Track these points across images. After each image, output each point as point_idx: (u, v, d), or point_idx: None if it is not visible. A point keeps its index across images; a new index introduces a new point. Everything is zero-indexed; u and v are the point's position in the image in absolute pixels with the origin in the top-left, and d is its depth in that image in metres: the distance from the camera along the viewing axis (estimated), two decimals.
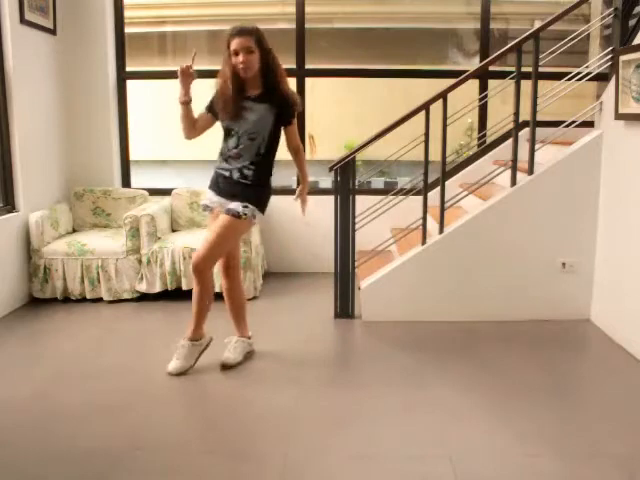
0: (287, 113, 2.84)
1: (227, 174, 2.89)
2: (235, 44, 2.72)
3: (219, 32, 6.86)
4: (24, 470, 2.19)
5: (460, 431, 2.42)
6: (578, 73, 3.66)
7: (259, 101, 2.82)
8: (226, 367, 3.01)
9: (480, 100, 4.44)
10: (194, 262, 2.86)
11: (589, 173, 3.56)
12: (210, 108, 2.93)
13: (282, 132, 2.92)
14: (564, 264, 3.63)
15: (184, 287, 4.13)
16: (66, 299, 4.13)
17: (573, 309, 3.67)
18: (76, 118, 4.70)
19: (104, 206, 4.63)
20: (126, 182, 4.97)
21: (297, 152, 3.04)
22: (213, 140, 6.42)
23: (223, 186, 2.92)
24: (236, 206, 2.84)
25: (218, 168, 2.95)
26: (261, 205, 2.94)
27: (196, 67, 2.79)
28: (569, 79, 3.66)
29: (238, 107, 2.81)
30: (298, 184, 3.24)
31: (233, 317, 3.16)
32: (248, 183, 2.87)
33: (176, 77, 2.86)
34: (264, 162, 2.89)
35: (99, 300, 4.14)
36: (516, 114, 3.57)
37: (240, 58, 2.72)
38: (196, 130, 2.94)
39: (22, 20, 3.99)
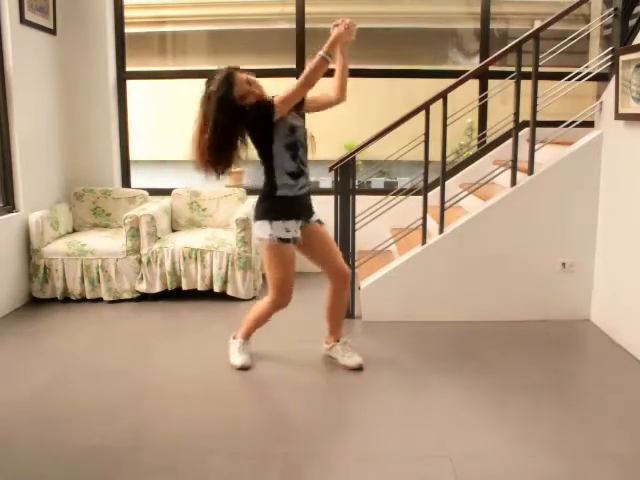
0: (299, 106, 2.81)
1: (306, 190, 2.85)
2: (241, 77, 2.72)
3: (219, 32, 6.88)
4: (24, 470, 2.19)
5: (460, 431, 2.42)
6: (578, 73, 3.65)
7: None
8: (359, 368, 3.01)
9: (480, 100, 4.43)
10: (348, 272, 3.00)
11: (589, 173, 3.56)
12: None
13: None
14: (564, 264, 3.63)
15: (184, 287, 4.13)
16: (66, 299, 4.13)
17: (573, 309, 3.67)
18: (76, 118, 4.70)
19: (104, 206, 4.63)
20: (126, 182, 4.98)
21: (330, 90, 2.93)
22: None
23: (306, 205, 2.89)
24: (317, 214, 2.95)
25: (298, 189, 2.79)
26: None
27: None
28: (569, 79, 3.66)
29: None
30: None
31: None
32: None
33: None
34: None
35: (99, 300, 4.14)
36: (516, 114, 3.57)
37: (253, 87, 2.75)
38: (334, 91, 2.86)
39: (22, 20, 3.99)
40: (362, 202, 3.74)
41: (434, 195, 3.79)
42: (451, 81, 3.57)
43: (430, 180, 3.73)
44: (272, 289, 2.87)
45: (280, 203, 2.76)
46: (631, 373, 2.97)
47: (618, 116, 3.27)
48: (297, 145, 2.76)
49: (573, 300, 3.67)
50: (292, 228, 2.76)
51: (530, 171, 3.58)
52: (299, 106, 2.78)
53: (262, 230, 2.76)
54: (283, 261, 2.78)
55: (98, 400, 2.70)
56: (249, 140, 2.74)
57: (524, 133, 3.86)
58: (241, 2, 6.54)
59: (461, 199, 3.85)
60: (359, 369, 2.98)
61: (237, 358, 3.03)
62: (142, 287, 4.14)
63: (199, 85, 2.77)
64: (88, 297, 4.13)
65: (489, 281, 3.66)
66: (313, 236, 2.90)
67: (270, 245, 2.75)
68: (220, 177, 2.74)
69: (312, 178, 5.38)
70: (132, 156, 5.02)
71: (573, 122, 3.58)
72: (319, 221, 2.96)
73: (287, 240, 2.74)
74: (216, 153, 2.65)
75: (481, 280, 3.66)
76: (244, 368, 2.98)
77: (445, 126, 3.55)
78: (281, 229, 2.73)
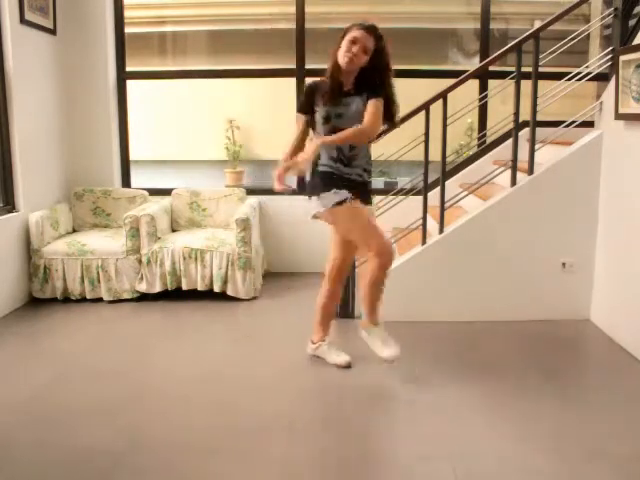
0: (372, 94, 2.71)
1: (360, 179, 2.83)
2: (359, 33, 2.64)
3: (219, 32, 6.88)
4: (24, 470, 2.19)
5: (460, 431, 2.42)
6: (578, 73, 3.65)
7: (355, 94, 2.74)
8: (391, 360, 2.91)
9: (480, 100, 4.43)
10: (391, 250, 2.80)
11: (589, 173, 3.56)
12: (304, 108, 2.81)
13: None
14: (564, 264, 3.63)
15: (184, 287, 4.13)
16: (66, 299, 4.13)
17: (573, 309, 3.67)
18: (76, 118, 4.70)
19: (104, 206, 4.63)
20: (126, 182, 4.97)
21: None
22: (213, 140, 6.41)
23: (358, 191, 2.81)
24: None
25: (345, 174, 2.79)
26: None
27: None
28: (569, 79, 3.66)
29: (342, 98, 2.73)
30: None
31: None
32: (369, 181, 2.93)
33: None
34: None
35: (99, 300, 4.13)
36: (516, 114, 3.57)
37: (354, 49, 2.63)
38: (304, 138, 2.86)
39: (22, 20, 3.99)
40: None
41: (434, 195, 3.78)
42: (451, 81, 3.57)
43: (430, 180, 3.73)
44: (368, 248, 2.76)
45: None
46: (631, 373, 2.97)
47: (618, 116, 3.27)
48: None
49: (573, 300, 3.67)
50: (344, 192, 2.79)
51: (530, 171, 3.58)
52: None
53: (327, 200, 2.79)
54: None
55: (98, 400, 2.70)
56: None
57: (524, 133, 3.85)
58: (241, 2, 6.54)
59: (461, 199, 3.85)
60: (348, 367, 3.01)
61: (388, 349, 2.87)
62: (142, 287, 4.14)
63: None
64: (88, 297, 4.13)
65: (489, 281, 3.66)
66: None
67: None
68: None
69: None
70: (132, 156, 5.02)
71: (573, 122, 3.58)
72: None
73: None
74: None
75: (481, 280, 3.66)
76: (391, 359, 2.85)
77: (445, 126, 3.55)
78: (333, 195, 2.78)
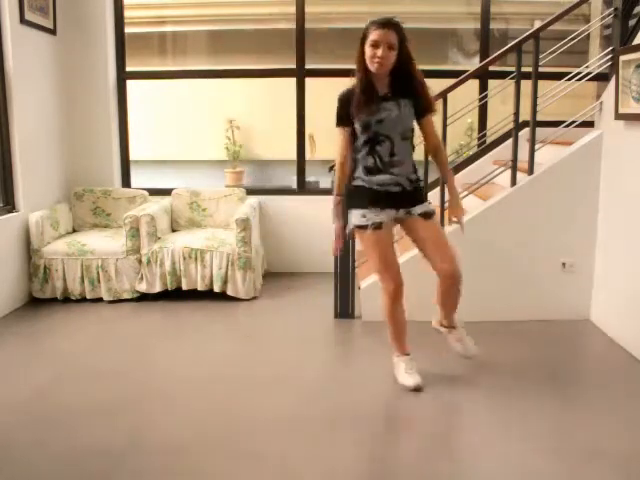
0: (422, 103, 2.65)
1: (397, 189, 2.67)
2: (377, 35, 2.48)
3: (219, 32, 6.88)
4: (24, 470, 2.18)
5: (460, 431, 2.42)
6: (578, 73, 3.65)
7: (395, 97, 2.61)
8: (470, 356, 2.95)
9: (480, 100, 4.44)
10: (453, 270, 2.73)
11: (589, 173, 3.56)
12: (343, 120, 2.66)
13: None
14: (564, 264, 3.63)
15: (184, 287, 4.13)
16: (66, 299, 4.13)
17: (573, 309, 3.67)
18: (76, 118, 4.70)
19: (104, 206, 4.63)
20: (126, 182, 4.97)
21: (437, 151, 2.78)
22: (213, 140, 6.42)
23: (394, 201, 2.69)
24: (427, 207, 2.74)
25: (376, 185, 2.66)
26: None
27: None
28: (569, 79, 3.66)
29: (379, 104, 2.59)
30: (443, 194, 3.15)
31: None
32: (420, 187, 2.79)
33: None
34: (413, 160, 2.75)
35: (99, 300, 4.14)
36: (516, 114, 3.57)
37: (379, 52, 2.49)
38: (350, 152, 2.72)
39: (22, 20, 3.99)
40: None
41: (434, 195, 3.78)
42: (451, 81, 3.57)
43: (430, 180, 3.73)
44: (452, 251, 2.74)
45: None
46: (631, 373, 2.97)
47: (618, 116, 3.27)
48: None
49: (573, 300, 3.67)
50: (370, 215, 2.69)
51: (530, 171, 3.58)
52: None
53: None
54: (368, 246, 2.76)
55: (98, 400, 2.70)
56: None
57: (524, 133, 3.86)
58: (241, 2, 6.54)
59: (461, 199, 3.84)
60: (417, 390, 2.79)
61: (406, 378, 2.80)
62: (142, 287, 4.14)
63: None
64: (88, 297, 4.13)
65: (489, 281, 3.66)
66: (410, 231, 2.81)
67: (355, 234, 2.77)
68: None
69: (312, 178, 5.46)
70: (132, 156, 5.02)
71: (573, 122, 3.58)
72: (424, 214, 2.73)
73: (364, 227, 2.69)
74: None
75: (481, 280, 3.66)
76: (417, 389, 2.74)
77: (445, 126, 3.55)
78: (357, 216, 2.71)
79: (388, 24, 2.50)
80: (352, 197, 2.73)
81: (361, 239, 2.75)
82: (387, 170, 2.65)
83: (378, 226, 2.67)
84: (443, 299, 2.88)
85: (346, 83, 2.70)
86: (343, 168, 2.71)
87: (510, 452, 2.27)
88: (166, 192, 4.74)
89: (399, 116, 2.61)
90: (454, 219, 2.79)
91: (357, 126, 2.63)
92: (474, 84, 4.53)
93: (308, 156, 5.15)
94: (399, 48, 2.53)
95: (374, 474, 2.18)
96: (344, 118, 2.64)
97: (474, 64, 4.91)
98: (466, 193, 3.83)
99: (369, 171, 2.66)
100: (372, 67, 2.54)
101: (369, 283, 3.69)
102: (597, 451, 2.26)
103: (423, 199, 2.79)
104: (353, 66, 2.64)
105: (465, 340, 2.96)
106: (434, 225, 2.75)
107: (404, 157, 2.67)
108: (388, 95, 2.62)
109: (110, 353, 3.28)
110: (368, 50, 2.52)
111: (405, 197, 2.70)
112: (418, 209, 2.71)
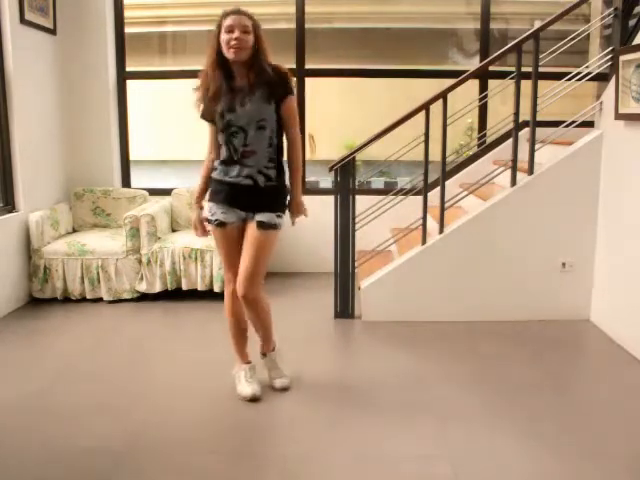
0: (280, 87, 2.52)
1: (249, 182, 2.54)
2: (231, 20, 2.44)
3: None
4: (24, 470, 2.18)
5: (460, 431, 2.42)
6: (578, 73, 3.66)
7: (254, 88, 2.50)
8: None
9: (480, 100, 4.44)
10: (243, 293, 2.57)
11: (589, 173, 3.56)
12: (204, 114, 2.62)
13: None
14: (564, 264, 3.63)
15: (184, 287, 4.13)
16: (66, 299, 4.13)
17: (573, 309, 3.67)
18: (76, 118, 4.70)
19: (104, 206, 4.63)
20: (126, 182, 4.98)
21: (289, 144, 2.64)
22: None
23: (244, 198, 2.57)
24: (270, 218, 2.56)
25: (228, 177, 2.57)
26: (285, 209, 2.68)
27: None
28: (569, 79, 3.66)
29: (234, 93, 2.50)
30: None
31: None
32: (275, 185, 2.58)
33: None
34: (279, 156, 2.60)
35: (99, 300, 4.14)
36: (516, 114, 3.57)
37: (235, 35, 2.42)
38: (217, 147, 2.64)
39: (22, 20, 3.99)
40: (362, 202, 3.75)
41: (434, 195, 3.79)
42: (451, 81, 3.57)
43: (430, 180, 3.73)
44: (254, 274, 2.61)
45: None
46: (631, 373, 2.97)
47: (618, 116, 3.27)
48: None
49: (573, 300, 3.67)
50: (216, 211, 2.63)
51: (530, 171, 3.58)
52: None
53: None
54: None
55: (98, 400, 2.70)
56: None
57: (524, 133, 3.86)
58: (241, 2, 6.54)
59: (461, 199, 3.85)
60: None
61: (245, 388, 2.75)
62: (142, 287, 4.14)
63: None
64: (88, 297, 4.13)
65: (489, 281, 3.66)
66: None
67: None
68: None
69: (312, 178, 5.46)
70: (132, 156, 5.02)
71: (573, 122, 3.59)
72: (261, 223, 2.57)
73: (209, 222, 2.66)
74: None
75: (481, 280, 3.67)
76: (254, 399, 2.68)
77: (445, 126, 3.55)
78: (207, 208, 2.67)
79: (240, 11, 2.49)
80: (210, 189, 2.68)
81: (211, 231, 2.71)
82: (240, 161, 2.55)
83: (221, 224, 2.61)
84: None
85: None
86: (207, 161, 2.70)
87: (510, 452, 2.27)
88: (166, 192, 4.74)
89: (253, 106, 2.50)
90: (292, 216, 2.71)
91: (216, 118, 2.56)
92: (474, 84, 4.53)
93: (308, 156, 5.15)
94: (254, 35, 2.47)
95: (372, 474, 2.18)
96: (209, 111, 2.58)
97: (474, 64, 4.91)
98: (466, 193, 3.84)
99: (224, 162, 2.59)
100: (230, 54, 2.46)
101: (369, 283, 3.70)
102: (597, 451, 2.26)
103: (274, 206, 2.60)
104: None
105: (276, 370, 2.85)
106: (261, 240, 2.56)
107: (257, 147, 2.53)
108: (243, 85, 2.52)
109: (110, 353, 3.28)
110: (224, 37, 2.45)
111: (255, 196, 2.57)
112: (259, 216, 2.57)
